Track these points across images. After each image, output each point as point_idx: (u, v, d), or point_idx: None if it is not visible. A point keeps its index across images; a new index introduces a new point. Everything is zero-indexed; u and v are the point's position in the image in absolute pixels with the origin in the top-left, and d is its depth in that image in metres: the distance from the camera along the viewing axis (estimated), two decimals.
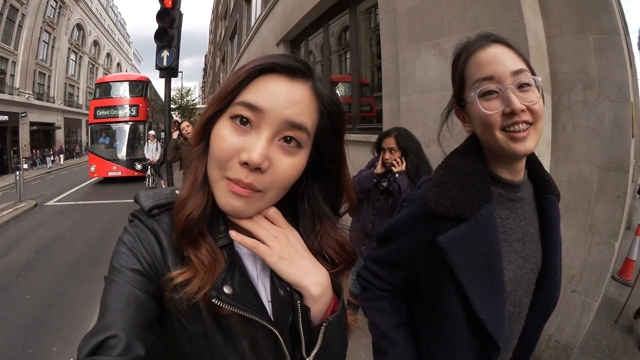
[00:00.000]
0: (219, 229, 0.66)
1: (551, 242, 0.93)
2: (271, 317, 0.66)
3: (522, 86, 0.80)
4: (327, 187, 0.74)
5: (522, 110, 0.78)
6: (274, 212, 0.67)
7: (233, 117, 0.60)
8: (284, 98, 0.60)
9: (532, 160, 0.96)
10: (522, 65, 0.81)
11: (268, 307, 0.67)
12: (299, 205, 0.72)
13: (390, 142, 2.46)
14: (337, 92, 4.37)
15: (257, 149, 0.58)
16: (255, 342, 0.64)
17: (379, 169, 2.52)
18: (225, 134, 0.60)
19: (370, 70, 5.12)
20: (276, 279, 0.68)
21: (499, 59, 0.81)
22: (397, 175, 2.37)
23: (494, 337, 0.84)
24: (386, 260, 1.06)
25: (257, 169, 0.58)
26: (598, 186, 2.29)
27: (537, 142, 0.82)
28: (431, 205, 0.88)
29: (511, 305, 0.90)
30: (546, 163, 2.51)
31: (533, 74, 0.83)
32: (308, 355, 0.65)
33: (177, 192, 0.69)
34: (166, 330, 0.61)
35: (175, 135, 6.37)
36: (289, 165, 0.62)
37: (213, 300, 0.58)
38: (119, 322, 0.52)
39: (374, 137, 4.39)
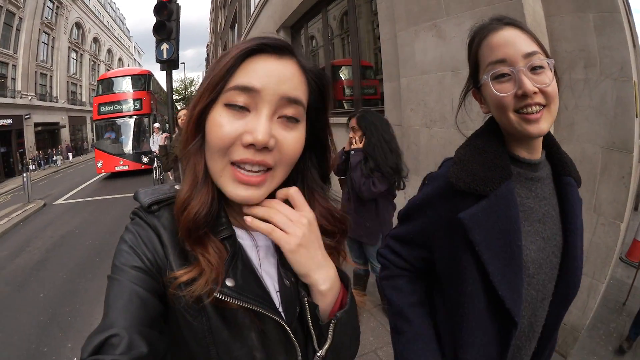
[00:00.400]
0: (220, 221, 0.65)
1: (571, 226, 0.92)
2: (279, 308, 0.66)
3: (534, 68, 0.80)
4: (318, 158, 0.74)
5: (535, 93, 0.79)
6: (294, 191, 0.65)
7: (228, 105, 0.59)
8: (277, 75, 0.60)
9: (549, 141, 0.96)
10: (535, 48, 0.81)
11: (276, 297, 0.67)
12: (292, 178, 0.71)
13: (353, 122, 2.68)
14: (341, 75, 4.37)
15: (260, 128, 0.57)
16: (263, 334, 0.63)
17: (346, 146, 2.73)
18: (222, 120, 0.59)
19: (374, 53, 5.08)
20: (282, 269, 0.68)
21: (511, 42, 0.82)
22: (352, 152, 2.58)
23: (511, 312, 0.84)
24: (406, 238, 1.07)
25: (264, 149, 0.58)
26: (602, 166, 2.26)
27: (551, 123, 0.83)
28: (452, 181, 0.89)
29: (534, 290, 0.90)
30: None
31: (547, 56, 0.83)
32: (320, 349, 0.65)
33: (176, 187, 0.68)
34: (171, 325, 0.61)
35: (162, 139, 5.16)
36: (293, 139, 0.62)
37: (215, 294, 0.57)
38: (121, 321, 0.52)
39: None
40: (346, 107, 5.66)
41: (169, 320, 0.61)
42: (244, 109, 0.59)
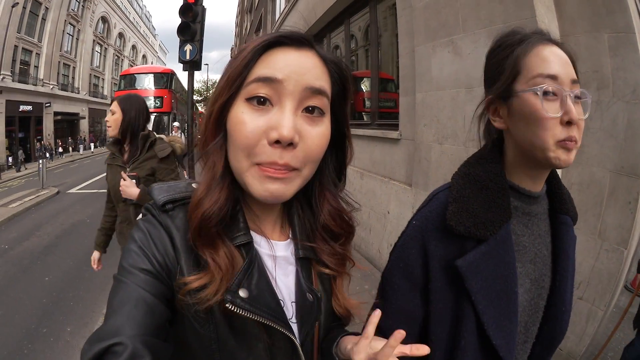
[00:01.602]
0: (238, 226, 0.62)
1: (561, 268, 0.85)
2: (292, 319, 0.64)
3: (577, 97, 0.74)
4: (337, 154, 0.72)
5: (576, 123, 0.73)
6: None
7: (249, 99, 0.57)
8: (299, 65, 0.57)
9: (552, 175, 0.89)
10: (577, 76, 0.76)
11: (291, 307, 0.66)
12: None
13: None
14: (363, 87, 4.37)
15: (285, 122, 0.54)
16: (272, 345, 0.62)
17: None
18: (245, 117, 0.56)
19: (396, 67, 5.12)
20: (305, 282, 0.67)
21: (563, 62, 0.75)
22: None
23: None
24: (395, 305, 0.91)
25: (289, 145, 0.55)
26: (609, 191, 2.22)
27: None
28: (453, 225, 0.80)
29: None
30: None
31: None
32: None
33: (193, 185, 0.65)
34: (177, 330, 0.59)
35: (165, 151, 4.12)
36: (318, 135, 0.59)
37: (227, 305, 0.56)
38: (125, 328, 0.49)
39: (391, 134, 4.48)
40: (365, 119, 5.69)
41: (175, 324, 0.59)
42: (266, 103, 0.56)
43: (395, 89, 5.08)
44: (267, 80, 0.56)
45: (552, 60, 0.74)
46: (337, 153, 0.72)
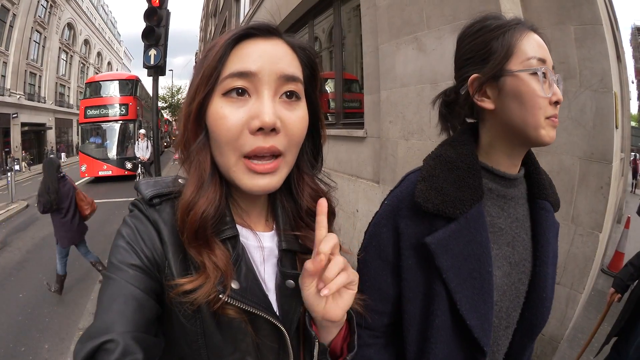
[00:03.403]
0: (224, 220, 0.62)
1: (542, 254, 0.87)
2: (276, 311, 0.65)
3: (557, 82, 0.80)
4: (313, 137, 0.73)
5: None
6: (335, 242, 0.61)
7: (226, 94, 0.58)
8: (270, 55, 0.59)
9: (530, 159, 0.91)
10: None
11: (272, 297, 0.66)
12: None
13: None
14: (327, 88, 4.39)
15: (265, 109, 0.56)
16: (258, 337, 0.62)
17: None
18: (225, 112, 0.57)
19: (360, 67, 5.18)
20: (282, 270, 0.67)
21: (547, 48, 0.80)
22: None
23: (479, 342, 0.80)
24: (370, 284, 0.93)
25: (272, 131, 0.57)
26: (580, 177, 2.30)
27: None
28: (420, 202, 0.82)
29: (497, 317, 0.85)
30: None
31: None
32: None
33: (180, 180, 0.65)
34: (164, 325, 0.59)
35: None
36: (297, 119, 0.61)
37: (220, 296, 0.56)
38: (116, 325, 0.50)
39: (356, 132, 4.49)
40: (330, 120, 5.71)
41: (163, 319, 0.59)
42: (244, 95, 0.58)
43: (359, 89, 5.14)
44: (242, 75, 0.57)
45: (540, 45, 0.79)
46: (312, 135, 0.73)
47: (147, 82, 16.89)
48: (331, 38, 5.75)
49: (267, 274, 0.67)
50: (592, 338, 2.46)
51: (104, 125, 15.65)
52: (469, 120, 0.93)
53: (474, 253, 0.80)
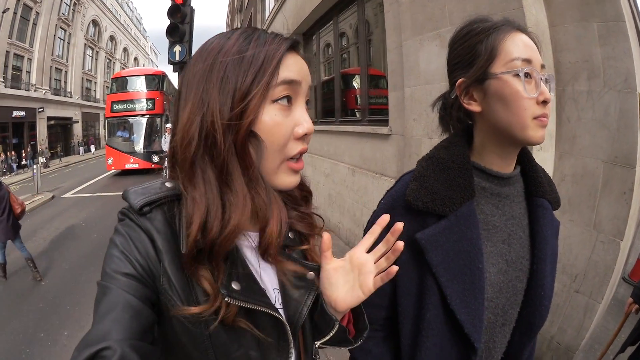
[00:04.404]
0: None
1: (539, 251, 0.87)
2: (276, 305, 0.66)
3: (545, 80, 0.80)
4: None
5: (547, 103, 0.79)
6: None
7: (276, 101, 0.60)
8: (306, 67, 0.66)
9: (525, 157, 0.92)
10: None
11: (274, 294, 0.68)
12: None
13: None
14: (354, 84, 4.38)
15: (306, 118, 0.63)
16: (259, 333, 0.63)
17: None
18: (279, 119, 0.60)
19: (386, 64, 5.16)
20: (302, 263, 0.72)
21: (533, 48, 0.81)
22: None
23: (470, 337, 0.81)
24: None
25: (306, 135, 0.63)
26: (603, 181, 2.20)
27: None
28: (410, 200, 0.86)
29: (492, 314, 0.86)
30: (550, 156, 2.45)
31: None
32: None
33: (167, 184, 0.63)
34: (167, 330, 0.60)
35: None
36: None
37: (226, 299, 0.57)
38: (112, 333, 0.50)
39: (381, 129, 4.47)
40: (358, 116, 5.68)
41: (162, 325, 0.59)
42: (289, 102, 0.62)
43: (386, 85, 5.09)
44: (292, 83, 0.61)
45: (527, 45, 0.80)
46: None
47: (173, 77, 17.19)
48: (357, 34, 5.70)
49: (264, 270, 0.68)
50: (607, 349, 2.39)
51: (131, 120, 16.02)
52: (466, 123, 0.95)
53: (465, 249, 0.82)
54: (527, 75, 0.77)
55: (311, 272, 0.71)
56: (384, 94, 4.90)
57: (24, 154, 23.65)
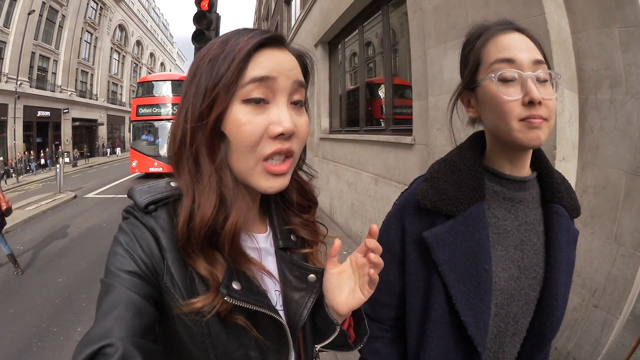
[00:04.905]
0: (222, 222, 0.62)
1: (553, 259, 0.84)
2: (276, 306, 0.66)
3: (543, 79, 0.76)
4: None
5: (540, 103, 0.74)
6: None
7: (246, 101, 0.59)
8: (285, 62, 0.62)
9: (541, 162, 0.89)
10: (542, 58, 0.78)
11: (275, 295, 0.69)
12: None
13: None
14: (380, 94, 4.37)
15: (285, 116, 0.59)
16: (259, 334, 0.63)
17: None
18: (247, 118, 0.58)
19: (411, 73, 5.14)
20: (303, 265, 0.72)
21: (521, 46, 0.78)
22: None
23: (473, 340, 0.79)
24: (383, 289, 0.98)
25: (290, 136, 0.60)
26: (625, 193, 2.12)
27: (546, 139, 0.77)
28: (419, 199, 0.87)
29: (502, 322, 0.84)
30: (573, 167, 2.38)
31: (549, 69, 0.79)
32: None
33: (172, 184, 0.65)
34: (168, 329, 0.60)
35: None
36: (304, 123, 0.64)
37: (225, 298, 0.57)
38: (115, 330, 0.50)
39: (404, 139, 4.45)
40: (382, 125, 5.65)
41: (164, 324, 0.60)
42: (262, 102, 0.59)
43: (411, 95, 5.07)
44: (263, 80, 0.59)
45: (510, 45, 0.78)
46: None
47: None
48: (383, 43, 5.71)
49: (265, 273, 0.68)
50: None
51: (156, 124, 16.20)
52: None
53: (471, 250, 0.82)
54: (507, 78, 0.76)
55: (312, 275, 0.71)
56: (408, 103, 4.88)
57: (41, 154, 24.01)
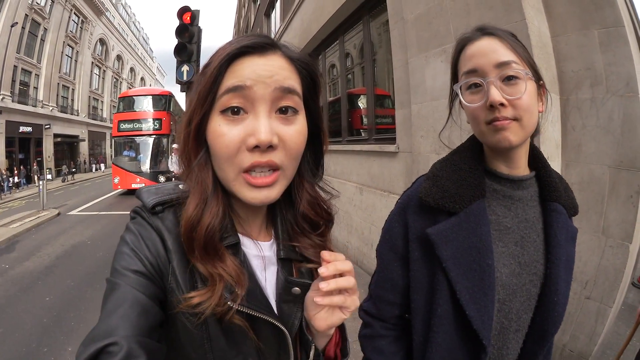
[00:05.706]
0: (226, 228, 0.63)
1: (553, 256, 0.86)
2: (277, 315, 0.66)
3: (509, 78, 0.77)
4: (314, 146, 0.74)
5: (502, 104, 0.76)
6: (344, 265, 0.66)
7: (223, 112, 0.59)
8: (265, 69, 0.59)
9: (539, 162, 0.92)
10: (512, 57, 0.78)
11: (274, 304, 0.68)
12: None
13: None
14: (360, 104, 4.41)
15: (261, 128, 0.57)
16: (259, 341, 0.63)
17: None
18: (223, 129, 0.58)
19: (392, 82, 5.23)
20: (288, 277, 0.69)
21: (484, 52, 0.80)
22: None
23: (479, 334, 0.81)
24: (385, 287, 1.00)
25: (269, 148, 0.58)
26: (610, 187, 2.22)
27: (523, 138, 0.80)
28: (422, 197, 0.89)
29: (505, 318, 0.85)
30: (557, 165, 2.46)
31: (532, 67, 0.81)
32: None
33: (180, 186, 0.66)
34: (169, 330, 0.60)
35: None
36: (295, 133, 0.61)
37: (230, 304, 0.57)
38: (120, 329, 0.50)
39: (388, 147, 4.49)
40: (363, 135, 5.70)
41: (167, 325, 0.60)
42: (240, 112, 0.58)
43: (392, 104, 5.14)
44: (237, 89, 0.58)
45: (473, 55, 0.82)
46: (313, 144, 0.73)
47: (180, 98, 17.19)
48: (362, 53, 5.76)
49: (268, 281, 0.69)
50: (620, 355, 2.35)
51: (138, 139, 15.95)
52: None
53: (474, 245, 0.84)
54: (473, 86, 0.82)
55: (296, 288, 0.68)
56: (390, 113, 4.94)
57: (15, 171, 21.74)
